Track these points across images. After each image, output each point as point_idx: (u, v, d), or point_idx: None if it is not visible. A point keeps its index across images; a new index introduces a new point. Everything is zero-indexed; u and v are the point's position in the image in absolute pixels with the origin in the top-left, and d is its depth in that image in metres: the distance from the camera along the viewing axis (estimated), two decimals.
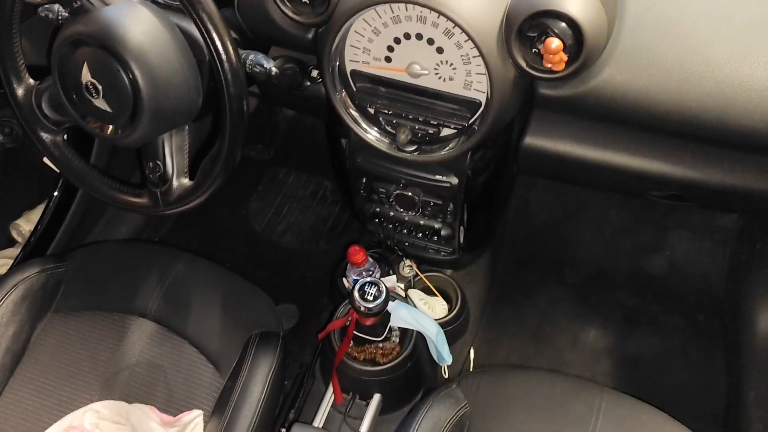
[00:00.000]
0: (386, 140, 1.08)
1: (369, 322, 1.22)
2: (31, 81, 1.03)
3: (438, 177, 1.16)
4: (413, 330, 1.31)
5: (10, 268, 1.43)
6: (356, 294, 1.17)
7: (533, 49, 0.88)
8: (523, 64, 0.89)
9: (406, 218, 1.32)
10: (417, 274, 1.47)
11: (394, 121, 1.05)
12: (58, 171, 1.44)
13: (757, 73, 0.85)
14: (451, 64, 0.95)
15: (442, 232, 1.32)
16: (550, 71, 0.88)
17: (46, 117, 1.04)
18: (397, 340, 1.32)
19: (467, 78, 0.96)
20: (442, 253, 1.41)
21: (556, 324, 1.68)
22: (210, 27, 0.84)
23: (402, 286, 1.45)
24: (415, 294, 1.44)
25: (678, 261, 1.76)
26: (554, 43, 0.84)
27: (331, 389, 1.33)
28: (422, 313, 1.30)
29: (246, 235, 1.88)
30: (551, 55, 0.85)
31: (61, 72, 0.93)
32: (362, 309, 1.17)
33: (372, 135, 1.08)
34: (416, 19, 0.92)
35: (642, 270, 1.75)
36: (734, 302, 1.61)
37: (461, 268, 1.59)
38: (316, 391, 1.43)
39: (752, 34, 0.87)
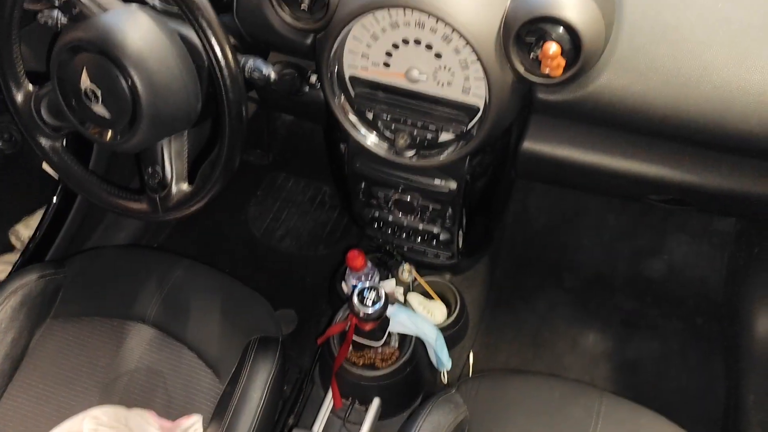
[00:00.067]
0: (385, 145, 1.09)
1: (368, 327, 1.22)
2: (31, 87, 1.03)
3: (437, 182, 1.16)
4: (412, 335, 1.31)
5: (8, 274, 1.43)
6: (355, 299, 1.17)
7: (531, 55, 0.88)
8: (521, 69, 0.90)
9: (405, 223, 1.32)
10: (416, 279, 1.47)
11: (393, 126, 1.05)
12: (57, 177, 1.44)
13: (754, 77, 0.85)
14: (450, 70, 0.95)
15: (441, 237, 1.32)
16: (548, 76, 0.88)
17: (45, 123, 1.04)
18: (397, 344, 1.32)
19: (465, 83, 0.96)
20: (441, 257, 1.41)
21: (555, 328, 1.68)
22: (209, 33, 0.85)
23: (401, 290, 1.45)
24: (414, 298, 1.45)
25: (676, 265, 1.76)
26: (552, 48, 0.84)
27: (330, 394, 1.33)
28: (421, 318, 1.31)
29: (245, 240, 1.88)
30: (549, 60, 0.85)
31: (60, 78, 0.93)
32: (361, 314, 1.17)
33: (371, 140, 1.08)
34: (414, 25, 0.92)
35: (641, 274, 1.75)
36: (733, 306, 1.61)
37: (460, 272, 1.59)
38: (315, 396, 1.43)
39: (749, 39, 0.87)
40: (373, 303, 1.17)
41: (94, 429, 1.07)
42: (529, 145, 1.05)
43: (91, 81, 0.90)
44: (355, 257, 1.30)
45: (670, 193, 1.07)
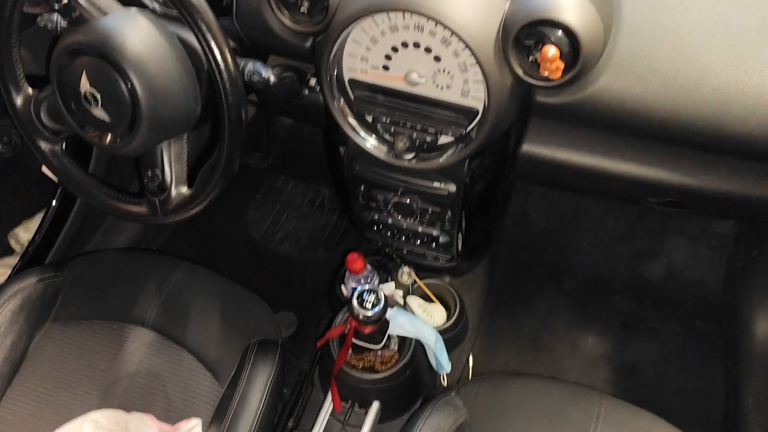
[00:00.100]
0: (384, 148, 1.09)
1: (368, 329, 1.22)
2: (30, 90, 1.03)
3: (436, 184, 1.16)
4: (412, 338, 1.31)
5: (8, 278, 1.43)
6: (355, 302, 1.17)
7: (530, 57, 0.88)
8: (520, 72, 0.90)
9: (405, 226, 1.32)
10: (415, 282, 1.47)
11: (392, 129, 1.05)
12: (56, 180, 1.44)
13: (752, 80, 0.85)
14: (449, 73, 0.96)
15: (441, 240, 1.33)
16: (547, 79, 0.88)
17: (45, 126, 1.04)
18: (396, 347, 1.32)
19: (464, 86, 0.96)
20: (441, 260, 1.41)
21: (555, 331, 1.68)
22: (208, 36, 0.85)
23: (400, 293, 1.45)
24: (413, 301, 1.45)
25: (675, 267, 1.76)
26: (551, 51, 0.84)
27: (329, 397, 1.33)
28: (421, 321, 1.31)
29: (244, 243, 1.88)
30: (548, 63, 0.86)
31: (60, 81, 0.93)
32: (361, 317, 1.17)
33: (370, 143, 1.09)
34: (414, 28, 0.92)
35: (639, 277, 1.75)
36: (731, 308, 1.61)
37: (459, 275, 1.59)
38: (314, 399, 1.43)
39: (748, 42, 0.87)
40: (373, 306, 1.17)
41: None
42: (528, 147, 1.06)
43: (91, 84, 0.90)
44: (355, 260, 1.30)
45: (668, 196, 1.07)
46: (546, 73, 0.87)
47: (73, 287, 1.24)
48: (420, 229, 1.32)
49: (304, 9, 0.96)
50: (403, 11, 0.90)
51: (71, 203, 1.53)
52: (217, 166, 0.95)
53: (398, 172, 1.17)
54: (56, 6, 0.90)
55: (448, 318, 1.46)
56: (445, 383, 1.45)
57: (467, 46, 0.88)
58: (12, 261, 1.53)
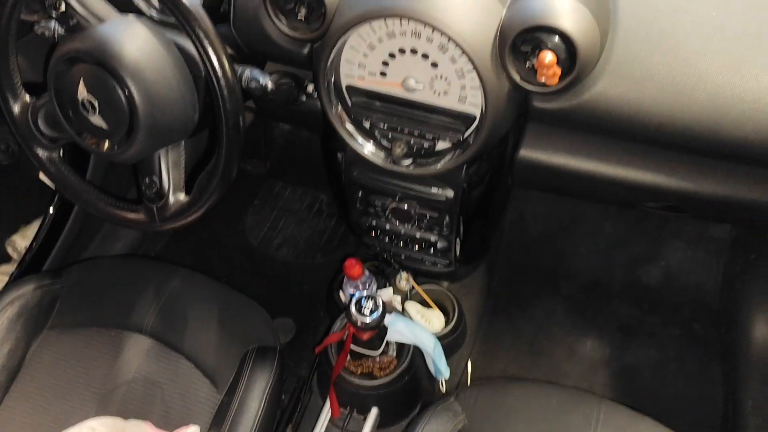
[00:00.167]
0: (382, 154, 1.09)
1: (366, 336, 1.21)
2: (28, 98, 1.03)
3: (434, 190, 1.16)
4: (410, 344, 1.30)
5: (5, 285, 1.43)
6: (353, 308, 1.17)
7: (527, 63, 0.89)
8: (517, 78, 0.90)
9: (403, 231, 1.32)
10: (413, 287, 1.47)
11: (390, 135, 1.06)
12: (54, 187, 1.44)
13: (748, 84, 0.86)
14: (446, 79, 0.96)
15: (439, 245, 1.33)
16: (544, 85, 0.89)
17: (42, 133, 1.04)
18: (395, 353, 1.32)
19: (462, 92, 0.97)
20: (439, 265, 1.41)
21: (553, 335, 1.68)
22: (206, 43, 0.85)
23: (399, 299, 1.45)
24: (412, 307, 1.45)
25: (673, 272, 1.76)
26: (548, 57, 0.85)
27: (328, 403, 1.32)
28: (419, 327, 1.30)
29: (242, 249, 1.88)
30: (545, 69, 0.86)
31: (58, 89, 0.93)
32: (359, 323, 1.17)
33: (368, 149, 1.09)
34: (411, 34, 0.93)
35: (637, 281, 1.76)
36: (729, 312, 1.62)
37: (457, 280, 1.59)
38: (313, 405, 1.43)
39: (744, 47, 0.88)
40: (371, 312, 1.17)
41: None
42: (525, 153, 1.06)
43: (88, 92, 0.90)
44: (353, 266, 1.30)
45: (665, 200, 1.07)
46: (543, 79, 0.88)
47: (70, 294, 1.24)
48: (418, 235, 1.32)
49: (301, 16, 0.96)
50: (401, 18, 0.90)
51: (69, 210, 1.53)
52: (215, 173, 0.95)
53: (396, 178, 1.17)
54: (54, 14, 0.91)
55: (447, 323, 1.46)
56: (443, 389, 1.45)
57: (464, 52, 0.89)
58: (9, 268, 1.52)
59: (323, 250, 1.87)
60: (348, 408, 1.34)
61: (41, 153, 1.07)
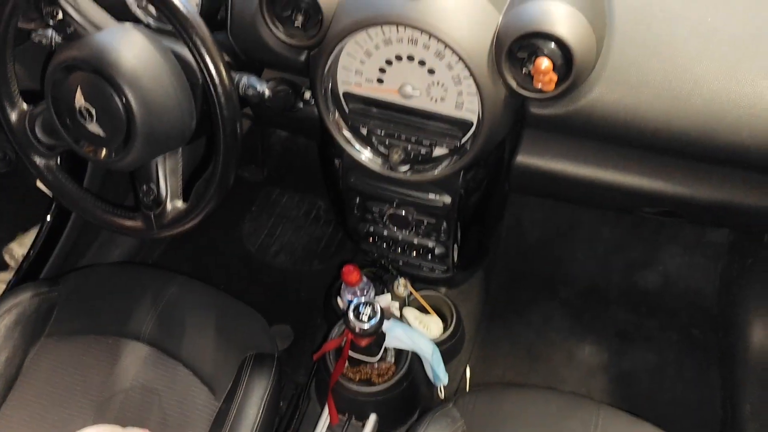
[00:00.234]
0: (379, 160, 1.09)
1: (364, 342, 1.21)
2: (25, 106, 1.03)
3: (431, 196, 1.16)
4: (408, 350, 1.30)
5: (2, 293, 1.42)
6: (351, 314, 1.17)
7: (523, 70, 0.89)
8: (514, 85, 0.90)
9: (400, 237, 1.32)
10: (411, 293, 1.47)
11: (387, 142, 1.06)
12: (51, 195, 1.44)
13: (744, 90, 0.86)
14: (443, 85, 0.96)
15: (436, 251, 1.33)
16: (541, 91, 0.89)
17: (40, 141, 1.04)
18: (393, 359, 1.32)
19: (458, 98, 0.97)
20: (437, 271, 1.41)
21: (551, 341, 1.68)
22: (203, 51, 0.85)
23: (397, 305, 1.45)
24: (410, 313, 1.44)
25: (670, 276, 1.76)
26: (544, 63, 0.85)
27: (326, 410, 1.32)
28: (417, 333, 1.30)
29: (240, 256, 1.88)
30: (541, 75, 0.86)
31: (55, 97, 0.93)
32: (357, 330, 1.17)
33: (365, 155, 1.09)
34: (407, 41, 0.93)
35: (635, 286, 1.76)
36: (727, 316, 1.62)
37: (455, 286, 1.59)
38: (311, 412, 1.43)
39: (739, 52, 0.88)
40: (369, 318, 1.17)
41: None
42: (522, 159, 1.06)
43: (86, 100, 0.90)
44: (350, 272, 1.30)
45: (662, 206, 1.07)
46: (539, 85, 0.88)
47: (67, 302, 1.24)
48: (415, 241, 1.32)
49: (298, 23, 0.96)
50: (397, 25, 0.90)
51: (66, 218, 1.53)
52: (212, 180, 0.95)
53: (393, 184, 1.17)
54: (51, 22, 0.91)
55: (445, 329, 1.46)
56: (442, 395, 1.44)
57: (461, 59, 0.89)
58: (6, 276, 1.52)
59: (321, 257, 1.87)
60: (346, 414, 1.33)
61: (38, 161, 1.07)
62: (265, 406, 1.12)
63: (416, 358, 1.32)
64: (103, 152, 0.95)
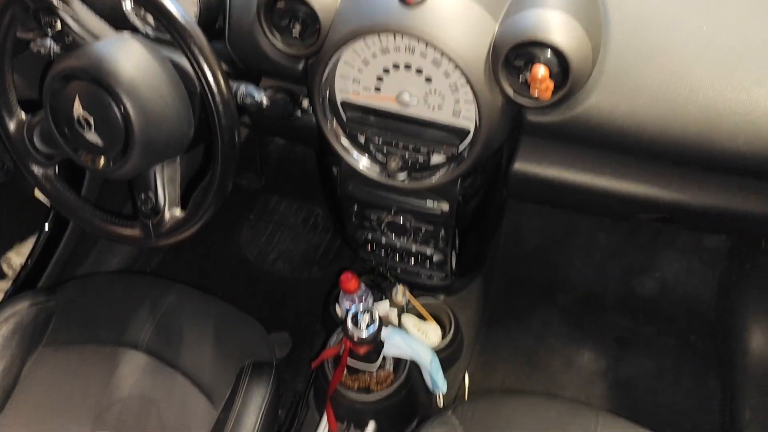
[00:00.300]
0: (377, 168, 1.09)
1: (362, 350, 1.21)
2: (23, 115, 1.03)
3: (429, 203, 1.17)
4: (407, 358, 1.30)
5: (0, 302, 1.42)
6: (349, 322, 1.17)
7: (520, 78, 0.89)
8: (511, 93, 0.91)
9: (398, 244, 1.32)
10: (410, 301, 1.47)
11: (385, 150, 1.06)
12: (49, 204, 1.44)
13: (740, 96, 0.86)
14: (440, 93, 0.96)
15: (434, 258, 1.33)
16: (538, 99, 0.89)
17: (38, 150, 1.04)
18: (391, 367, 1.32)
19: (456, 106, 0.97)
20: (435, 278, 1.41)
21: (550, 347, 1.68)
22: (201, 60, 0.85)
23: (395, 312, 1.45)
24: (408, 320, 1.44)
25: (668, 282, 1.77)
26: (540, 71, 0.85)
27: (325, 418, 1.32)
28: (416, 340, 1.30)
29: (238, 263, 1.88)
30: (538, 83, 0.86)
31: (53, 106, 0.94)
32: (355, 338, 1.17)
33: (363, 163, 1.09)
34: (405, 50, 0.93)
35: (633, 292, 1.76)
36: (725, 322, 1.62)
37: (454, 293, 1.59)
38: (310, 420, 1.42)
39: (734, 59, 0.88)
40: (367, 326, 1.17)
41: None
42: (519, 166, 1.06)
43: (84, 109, 0.90)
44: (349, 279, 1.30)
45: (659, 212, 1.07)
46: (536, 93, 0.88)
47: (65, 311, 1.23)
48: (414, 248, 1.32)
49: (296, 32, 0.97)
50: (394, 33, 0.91)
51: (64, 227, 1.53)
52: (211, 188, 0.95)
53: (391, 192, 1.17)
54: (49, 32, 0.91)
55: (443, 336, 1.46)
56: (441, 403, 1.44)
57: (458, 66, 0.89)
58: (4, 285, 1.52)
59: (319, 264, 1.87)
60: (345, 422, 1.33)
61: (37, 170, 1.07)
62: (264, 415, 1.12)
63: (415, 366, 1.32)
64: (102, 161, 0.95)
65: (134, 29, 1.05)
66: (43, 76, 0.95)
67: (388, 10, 0.90)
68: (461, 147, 1.01)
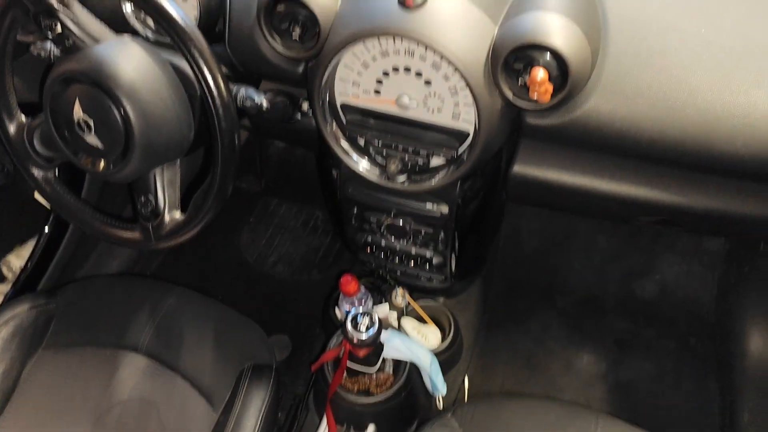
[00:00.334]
0: (377, 171, 1.10)
1: (362, 352, 1.21)
2: (23, 118, 1.03)
3: (428, 206, 1.17)
4: (407, 360, 1.30)
5: (0, 305, 1.42)
6: (349, 325, 1.17)
7: (519, 81, 0.90)
8: (510, 95, 0.91)
9: (398, 247, 1.32)
10: (409, 303, 1.47)
11: (384, 152, 1.06)
12: (49, 207, 1.44)
13: (738, 99, 0.87)
14: (439, 96, 0.97)
15: (434, 261, 1.33)
16: (537, 102, 0.90)
17: (38, 153, 1.04)
18: (391, 370, 1.32)
19: (455, 109, 0.97)
20: (434, 281, 1.41)
21: (549, 350, 1.68)
22: (201, 63, 0.86)
23: (395, 315, 1.45)
24: (408, 323, 1.44)
25: (668, 285, 1.77)
26: (540, 74, 0.86)
27: (325, 421, 1.32)
28: (416, 343, 1.30)
29: (238, 266, 1.88)
30: (537, 86, 0.87)
31: (53, 109, 0.94)
32: (355, 340, 1.17)
33: (362, 166, 1.09)
34: (404, 53, 0.93)
35: (632, 295, 1.76)
36: (725, 325, 1.62)
37: (453, 295, 1.59)
38: (310, 422, 1.43)
39: (733, 62, 0.89)
40: (367, 329, 1.17)
41: None
42: (519, 169, 1.07)
43: (84, 112, 0.90)
44: (348, 282, 1.30)
45: (658, 215, 1.08)
46: (535, 96, 0.88)
47: (65, 314, 1.23)
48: (413, 251, 1.32)
49: (295, 35, 0.97)
50: (394, 37, 0.91)
51: (64, 230, 1.53)
52: (211, 191, 0.95)
53: (391, 194, 1.17)
54: (50, 35, 0.91)
55: (443, 339, 1.46)
56: (440, 405, 1.44)
57: (457, 70, 0.90)
58: (4, 288, 1.52)
59: (319, 267, 1.87)
60: (345, 425, 1.33)
61: (36, 173, 1.07)
62: (263, 417, 1.12)
63: (414, 369, 1.32)
64: (102, 164, 0.95)
65: (134, 32, 1.05)
66: (43, 79, 0.95)
67: (387, 14, 0.90)
68: (461, 150, 1.02)
